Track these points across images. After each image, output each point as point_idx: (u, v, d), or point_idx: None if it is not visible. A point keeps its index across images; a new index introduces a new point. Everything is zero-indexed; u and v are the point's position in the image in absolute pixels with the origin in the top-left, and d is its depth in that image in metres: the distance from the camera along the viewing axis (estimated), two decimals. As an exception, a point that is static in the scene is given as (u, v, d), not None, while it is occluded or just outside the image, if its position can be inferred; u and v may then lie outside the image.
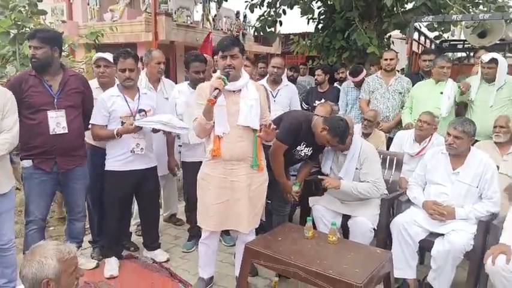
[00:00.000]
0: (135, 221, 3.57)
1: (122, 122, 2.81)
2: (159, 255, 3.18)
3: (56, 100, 2.59)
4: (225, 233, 3.44)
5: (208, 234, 2.64)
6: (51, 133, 2.55)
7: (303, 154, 2.89)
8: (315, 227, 2.66)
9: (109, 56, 3.00)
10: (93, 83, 3.10)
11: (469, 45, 7.02)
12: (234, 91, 2.45)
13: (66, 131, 2.59)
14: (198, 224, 2.65)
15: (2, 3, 4.35)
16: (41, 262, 1.43)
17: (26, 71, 2.65)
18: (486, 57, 3.55)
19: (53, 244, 1.53)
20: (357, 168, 2.87)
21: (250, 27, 11.85)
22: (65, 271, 1.47)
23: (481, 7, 6.28)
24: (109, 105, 2.79)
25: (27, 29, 4.62)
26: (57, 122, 2.56)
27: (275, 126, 2.42)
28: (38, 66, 2.57)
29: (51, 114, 2.55)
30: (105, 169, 2.90)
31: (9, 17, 4.36)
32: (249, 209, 2.50)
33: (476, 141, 3.12)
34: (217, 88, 2.27)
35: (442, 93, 3.66)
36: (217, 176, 2.48)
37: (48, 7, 7.46)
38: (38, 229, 2.69)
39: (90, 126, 2.85)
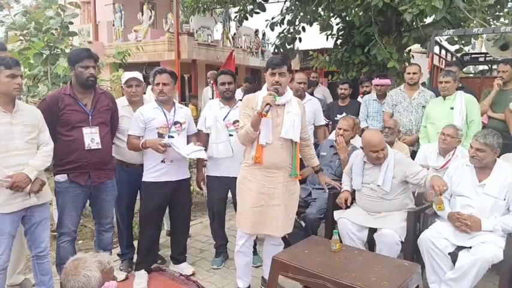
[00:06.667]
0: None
1: (158, 133, 2.92)
2: (185, 268, 3.21)
3: (90, 117, 2.70)
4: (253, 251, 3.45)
5: (243, 242, 2.73)
6: (86, 148, 2.66)
7: None
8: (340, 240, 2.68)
9: (139, 75, 3.11)
10: (122, 101, 3.18)
11: (491, 58, 6.95)
12: (278, 105, 2.60)
13: (100, 146, 2.71)
14: (236, 226, 2.78)
15: (36, 26, 4.59)
16: (87, 276, 1.53)
17: (59, 91, 2.75)
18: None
19: (91, 257, 1.61)
20: (393, 177, 2.89)
21: (270, 45, 12.04)
22: (106, 280, 1.57)
23: (502, 19, 6.23)
24: (147, 116, 2.92)
25: (58, 50, 4.85)
26: (91, 138, 2.67)
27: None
28: (94, 84, 2.75)
29: (86, 130, 2.67)
30: (142, 180, 3.00)
31: (42, 39, 4.59)
32: (284, 215, 2.67)
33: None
34: (268, 104, 2.44)
35: (452, 108, 3.66)
36: (256, 182, 2.63)
37: (76, 28, 7.79)
38: (70, 241, 2.78)
39: (126, 138, 2.95)
